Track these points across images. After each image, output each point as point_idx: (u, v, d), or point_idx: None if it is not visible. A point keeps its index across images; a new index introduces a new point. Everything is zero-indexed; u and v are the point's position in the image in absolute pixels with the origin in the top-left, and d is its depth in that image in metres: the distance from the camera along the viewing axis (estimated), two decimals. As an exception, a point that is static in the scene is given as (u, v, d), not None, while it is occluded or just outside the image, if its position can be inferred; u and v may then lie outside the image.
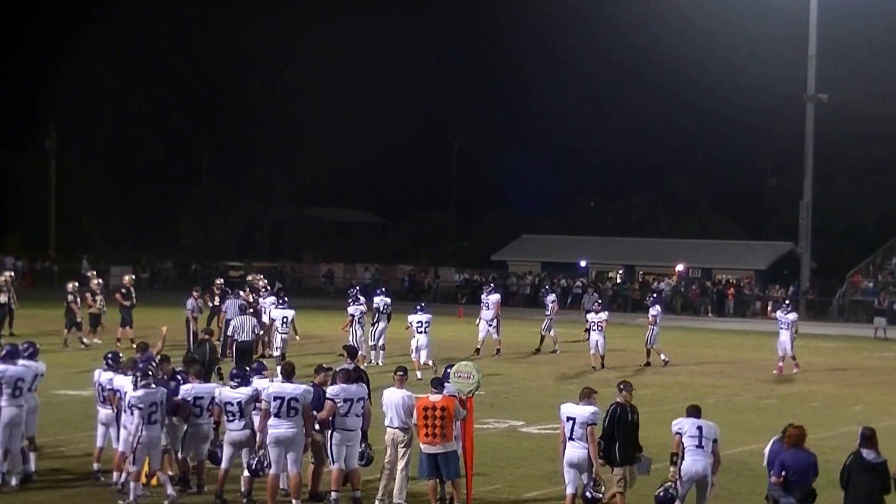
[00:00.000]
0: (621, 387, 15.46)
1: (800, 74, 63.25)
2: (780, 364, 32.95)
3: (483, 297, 35.79)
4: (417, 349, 29.75)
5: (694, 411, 14.73)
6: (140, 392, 15.78)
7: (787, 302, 38.26)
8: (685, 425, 14.52)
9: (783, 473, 13.52)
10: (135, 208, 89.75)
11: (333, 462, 15.73)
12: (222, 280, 38.47)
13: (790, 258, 65.48)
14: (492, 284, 39.70)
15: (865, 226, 74.02)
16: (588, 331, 32.79)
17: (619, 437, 15.01)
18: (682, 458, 14.47)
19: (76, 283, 36.75)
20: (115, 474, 16.56)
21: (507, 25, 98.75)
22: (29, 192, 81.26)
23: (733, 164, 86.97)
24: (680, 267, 66.43)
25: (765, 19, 75.76)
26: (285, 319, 30.39)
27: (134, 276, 39.41)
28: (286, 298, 32.56)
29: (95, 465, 16.89)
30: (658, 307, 34.70)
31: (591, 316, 32.76)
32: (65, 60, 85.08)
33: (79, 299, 35.40)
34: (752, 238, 74.75)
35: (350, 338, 30.42)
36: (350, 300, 32.02)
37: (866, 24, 71.70)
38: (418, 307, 31.30)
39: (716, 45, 78.23)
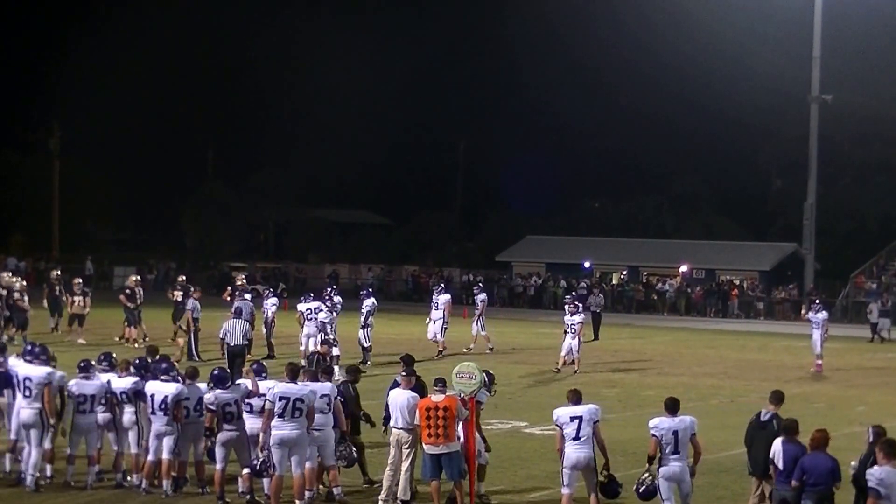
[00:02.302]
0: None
1: (804, 75, 63.23)
2: (818, 362, 33.74)
3: (434, 297, 35.14)
4: (307, 337, 30.50)
5: (671, 406, 14.71)
6: (72, 381, 16.55)
7: (817, 301, 38.24)
8: (662, 430, 14.51)
9: (803, 477, 13.42)
10: (139, 209, 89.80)
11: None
12: (185, 277, 38.73)
13: (794, 259, 65.45)
14: (441, 285, 39.11)
15: (869, 227, 74.03)
16: (565, 333, 32.00)
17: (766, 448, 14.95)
18: (660, 462, 14.53)
19: (24, 282, 36.80)
20: (117, 476, 16.71)
21: (512, 26, 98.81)
22: (33, 193, 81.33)
23: (738, 165, 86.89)
24: (684, 268, 66.43)
25: (769, 20, 75.79)
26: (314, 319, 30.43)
27: (139, 277, 39.42)
28: (312, 294, 32.50)
29: (96, 467, 16.92)
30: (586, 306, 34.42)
31: (566, 318, 31.99)
32: (69, 61, 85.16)
33: (26, 297, 35.23)
34: (756, 239, 74.71)
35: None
36: (307, 296, 32.35)
37: (871, 24, 71.74)
38: (303, 297, 32.20)
39: (720, 46, 78.25)
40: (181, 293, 35.04)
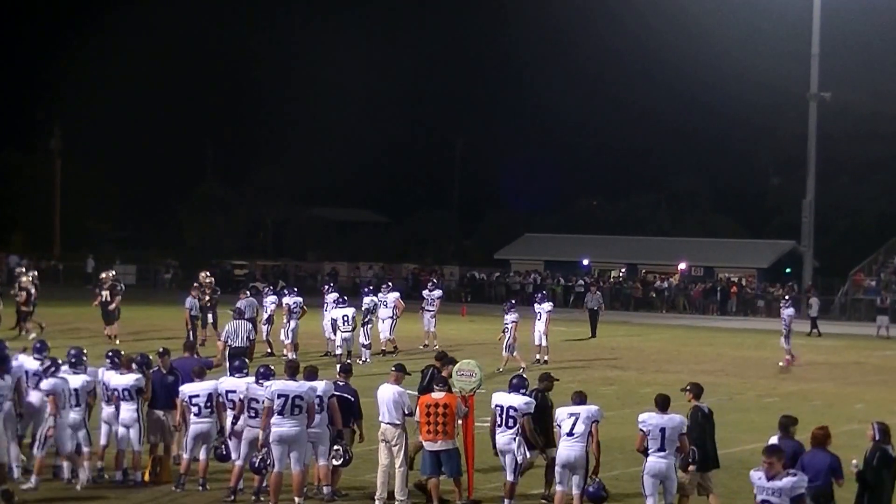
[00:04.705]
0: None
1: (803, 72, 63.30)
2: (790, 357, 34.32)
3: (381, 294, 34.43)
4: (293, 331, 31.67)
5: (661, 403, 14.69)
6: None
7: (787, 297, 38.77)
8: (649, 426, 14.52)
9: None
10: (139, 208, 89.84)
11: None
12: (114, 272, 39.12)
13: (792, 256, 65.54)
14: (390, 283, 38.87)
15: (867, 224, 74.10)
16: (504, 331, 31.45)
17: (708, 441, 15.18)
18: (646, 457, 14.58)
19: None
20: (117, 473, 16.80)
21: (510, 24, 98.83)
22: (34, 192, 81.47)
23: (736, 162, 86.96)
24: (682, 265, 66.52)
25: (768, 17, 75.84)
26: (346, 318, 30.74)
27: (111, 273, 38.87)
28: (346, 297, 32.71)
29: (98, 464, 17.00)
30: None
31: (506, 317, 31.41)
32: (69, 61, 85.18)
33: None
34: (754, 237, 74.78)
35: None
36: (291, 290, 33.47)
37: (869, 22, 71.72)
38: (287, 290, 33.34)
39: (719, 44, 78.23)
40: (119, 288, 35.77)
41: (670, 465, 14.51)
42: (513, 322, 31.03)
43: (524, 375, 16.50)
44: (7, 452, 15.82)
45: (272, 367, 16.70)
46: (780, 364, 34.13)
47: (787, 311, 34.70)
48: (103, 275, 37.56)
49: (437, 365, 17.52)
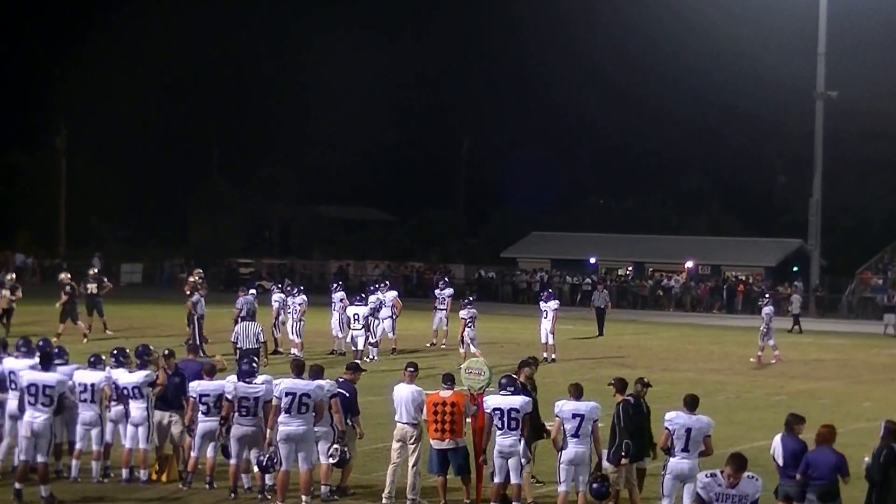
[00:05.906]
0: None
1: (810, 71, 63.23)
2: (769, 354, 34.44)
3: (380, 294, 34.17)
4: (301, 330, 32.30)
5: (690, 403, 14.60)
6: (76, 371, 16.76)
7: (766, 296, 38.90)
8: (676, 424, 14.40)
9: (808, 471, 13.38)
10: (144, 206, 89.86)
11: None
12: (97, 269, 39.68)
13: (799, 255, 65.49)
14: (387, 282, 38.79)
15: (874, 222, 74.08)
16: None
17: (645, 433, 15.23)
18: (669, 457, 14.46)
19: None
20: (123, 471, 16.73)
21: (516, 23, 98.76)
22: (39, 191, 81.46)
23: (743, 161, 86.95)
24: (689, 264, 66.46)
25: (775, 16, 75.74)
26: (356, 316, 31.04)
27: (70, 274, 37.83)
28: (364, 296, 32.83)
29: (105, 462, 16.93)
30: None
31: (461, 312, 32.03)
32: (74, 60, 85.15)
33: None
34: (761, 235, 74.70)
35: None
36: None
37: (876, 21, 71.64)
38: (293, 288, 33.73)
39: (726, 43, 78.18)
40: (95, 286, 36.04)
41: (693, 467, 14.32)
42: (469, 317, 31.66)
43: (513, 375, 16.32)
44: (47, 452, 15.76)
45: (255, 364, 16.70)
46: (773, 361, 34.06)
47: (766, 310, 34.60)
48: (62, 276, 37.21)
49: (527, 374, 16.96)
